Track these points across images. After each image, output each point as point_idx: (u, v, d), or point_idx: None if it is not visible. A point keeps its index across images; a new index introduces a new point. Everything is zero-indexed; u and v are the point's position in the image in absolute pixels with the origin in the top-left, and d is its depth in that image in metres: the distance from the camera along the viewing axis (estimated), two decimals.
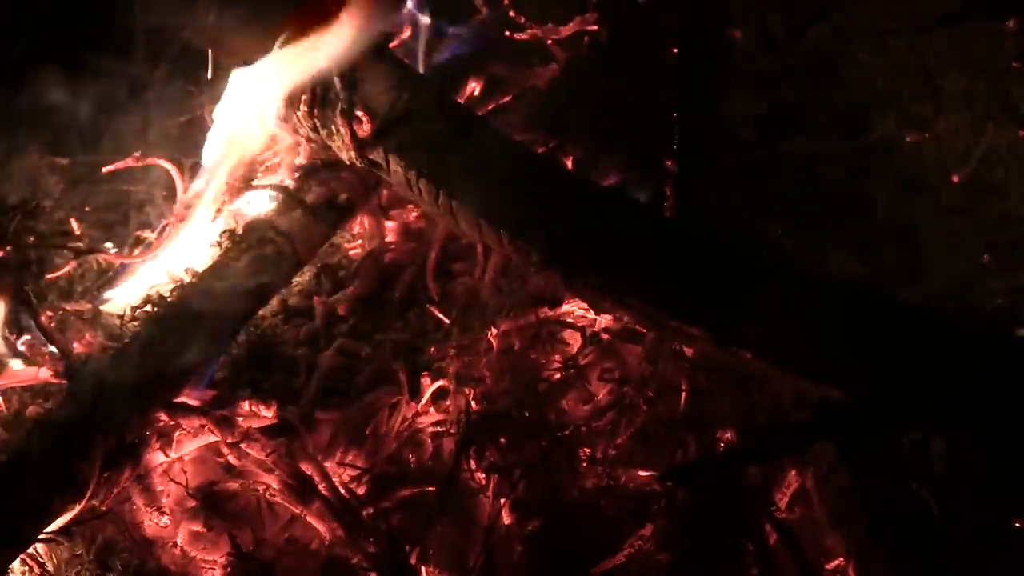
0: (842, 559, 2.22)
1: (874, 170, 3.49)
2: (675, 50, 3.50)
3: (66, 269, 2.85)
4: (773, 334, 1.96)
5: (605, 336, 2.71)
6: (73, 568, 2.39)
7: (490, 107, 3.26)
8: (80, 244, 2.94)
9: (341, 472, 2.58)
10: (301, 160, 2.85)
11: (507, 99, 3.29)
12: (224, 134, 2.80)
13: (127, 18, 3.48)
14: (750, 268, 2.10)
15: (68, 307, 2.72)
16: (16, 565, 2.29)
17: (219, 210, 2.85)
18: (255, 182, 2.88)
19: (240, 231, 2.66)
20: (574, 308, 2.75)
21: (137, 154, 2.91)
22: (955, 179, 3.49)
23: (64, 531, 2.27)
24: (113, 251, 2.94)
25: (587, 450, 2.51)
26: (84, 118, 3.46)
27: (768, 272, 2.09)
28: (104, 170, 2.97)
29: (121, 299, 2.74)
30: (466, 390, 2.60)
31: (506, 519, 2.48)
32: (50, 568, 2.34)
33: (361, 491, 2.55)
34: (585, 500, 2.48)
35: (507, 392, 2.61)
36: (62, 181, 3.42)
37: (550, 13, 3.64)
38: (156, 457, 2.51)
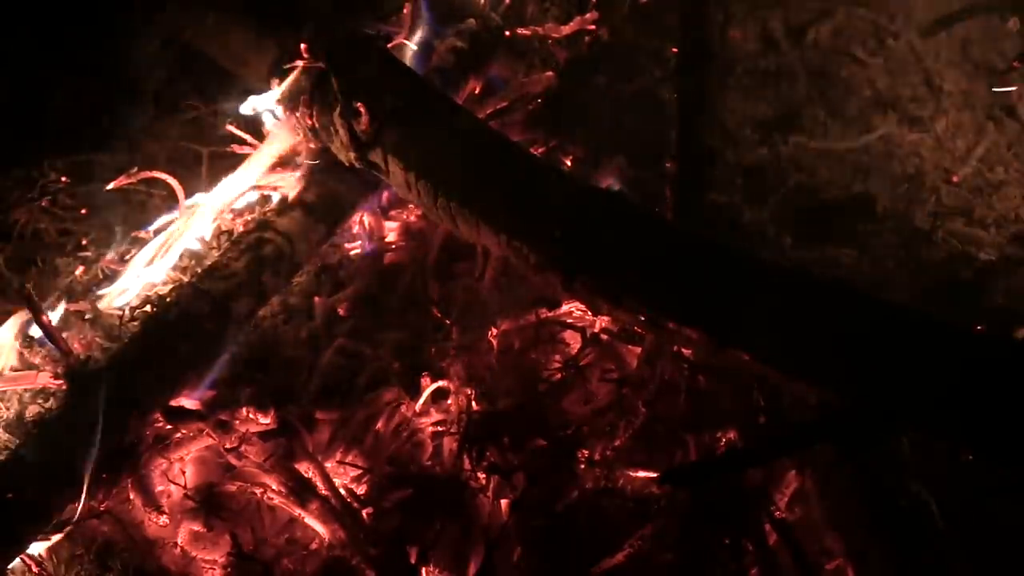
0: (842, 559, 2.22)
1: (874, 170, 3.50)
2: (675, 50, 3.51)
3: (76, 274, 2.87)
4: (772, 336, 1.96)
5: (605, 337, 2.72)
6: (73, 568, 2.39)
7: (490, 108, 3.26)
8: (87, 252, 2.97)
9: (341, 472, 2.58)
10: (301, 160, 2.85)
11: (507, 100, 3.29)
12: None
13: (129, 18, 3.49)
14: (749, 269, 2.10)
15: (68, 307, 2.73)
16: (16, 565, 2.29)
17: (220, 210, 2.85)
18: (255, 182, 2.89)
19: (240, 231, 2.66)
20: (574, 308, 2.75)
21: (135, 170, 2.92)
22: (955, 179, 3.49)
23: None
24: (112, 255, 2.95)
25: (586, 452, 2.51)
26: (85, 118, 3.47)
27: (767, 272, 2.09)
28: (107, 188, 2.98)
29: (120, 299, 2.74)
30: (466, 390, 2.60)
31: (506, 519, 2.48)
32: (50, 568, 2.34)
33: (361, 491, 2.56)
34: (585, 500, 2.47)
35: (507, 392, 2.61)
36: (63, 181, 3.43)
37: (550, 13, 3.66)
38: (155, 457, 2.51)
